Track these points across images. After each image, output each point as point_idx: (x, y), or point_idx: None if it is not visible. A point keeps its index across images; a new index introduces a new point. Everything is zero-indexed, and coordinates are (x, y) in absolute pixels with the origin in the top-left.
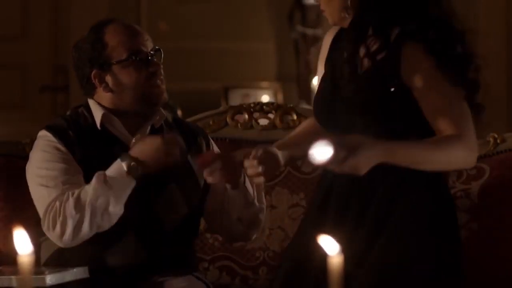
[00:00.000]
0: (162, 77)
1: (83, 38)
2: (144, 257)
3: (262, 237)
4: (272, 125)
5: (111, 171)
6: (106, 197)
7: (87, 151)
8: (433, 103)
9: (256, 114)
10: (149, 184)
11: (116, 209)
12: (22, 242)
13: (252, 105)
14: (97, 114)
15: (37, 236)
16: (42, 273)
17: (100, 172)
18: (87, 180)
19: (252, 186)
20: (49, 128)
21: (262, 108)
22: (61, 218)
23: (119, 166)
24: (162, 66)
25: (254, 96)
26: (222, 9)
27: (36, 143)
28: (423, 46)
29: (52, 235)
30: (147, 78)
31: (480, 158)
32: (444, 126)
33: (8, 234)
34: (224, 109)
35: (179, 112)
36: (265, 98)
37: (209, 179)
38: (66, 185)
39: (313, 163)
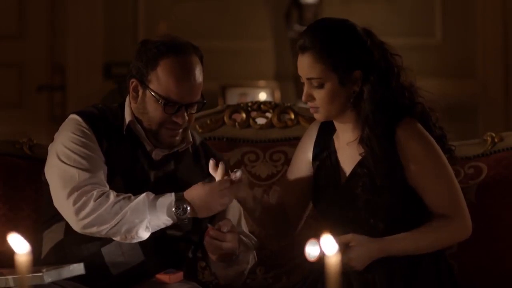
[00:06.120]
0: (185, 127)
1: (148, 44)
2: (140, 256)
3: (259, 237)
4: (269, 124)
5: (160, 200)
6: (141, 218)
7: (111, 146)
8: (429, 185)
9: (253, 113)
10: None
11: (142, 234)
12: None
13: (249, 104)
14: (127, 117)
15: (35, 235)
16: (39, 271)
17: (150, 194)
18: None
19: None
20: (80, 114)
21: (260, 107)
22: (92, 205)
23: (170, 204)
24: (193, 117)
25: (252, 95)
26: (219, 8)
27: (64, 125)
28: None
29: (72, 211)
30: (168, 122)
31: (478, 157)
32: (439, 208)
33: (5, 233)
34: (221, 108)
35: None
36: (263, 97)
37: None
38: (93, 172)
39: (308, 259)
